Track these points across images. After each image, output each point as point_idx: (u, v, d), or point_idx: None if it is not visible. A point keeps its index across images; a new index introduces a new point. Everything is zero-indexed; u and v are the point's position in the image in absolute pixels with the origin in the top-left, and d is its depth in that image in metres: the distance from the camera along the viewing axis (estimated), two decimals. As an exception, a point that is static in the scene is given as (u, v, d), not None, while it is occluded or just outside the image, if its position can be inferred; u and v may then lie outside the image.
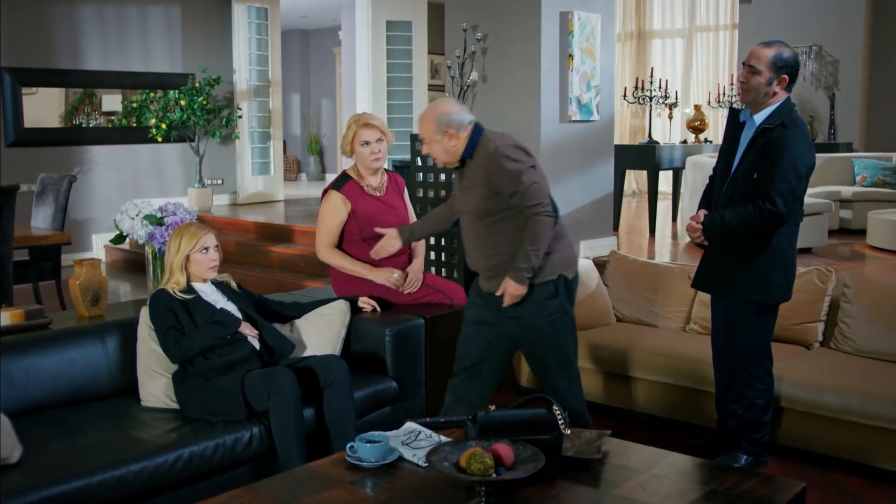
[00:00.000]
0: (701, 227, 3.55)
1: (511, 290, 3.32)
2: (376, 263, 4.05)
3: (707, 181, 3.81)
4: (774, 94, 3.44)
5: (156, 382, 3.40)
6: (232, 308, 3.53)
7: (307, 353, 3.67)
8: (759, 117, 3.47)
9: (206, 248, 3.48)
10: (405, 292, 4.10)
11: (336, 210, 4.07)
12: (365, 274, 4.06)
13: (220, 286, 3.60)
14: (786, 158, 3.34)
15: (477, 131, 3.39)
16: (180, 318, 3.38)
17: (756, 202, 3.38)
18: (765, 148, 3.40)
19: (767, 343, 3.64)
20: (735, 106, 3.65)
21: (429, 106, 3.46)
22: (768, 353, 3.65)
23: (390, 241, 3.84)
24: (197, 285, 3.51)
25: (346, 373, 3.35)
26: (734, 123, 3.60)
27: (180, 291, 3.44)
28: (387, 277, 4.05)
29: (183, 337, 3.34)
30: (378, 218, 4.09)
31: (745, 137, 3.52)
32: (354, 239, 4.11)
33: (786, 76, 3.43)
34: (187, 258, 3.46)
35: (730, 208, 3.48)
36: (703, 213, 3.61)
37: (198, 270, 3.49)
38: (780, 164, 3.34)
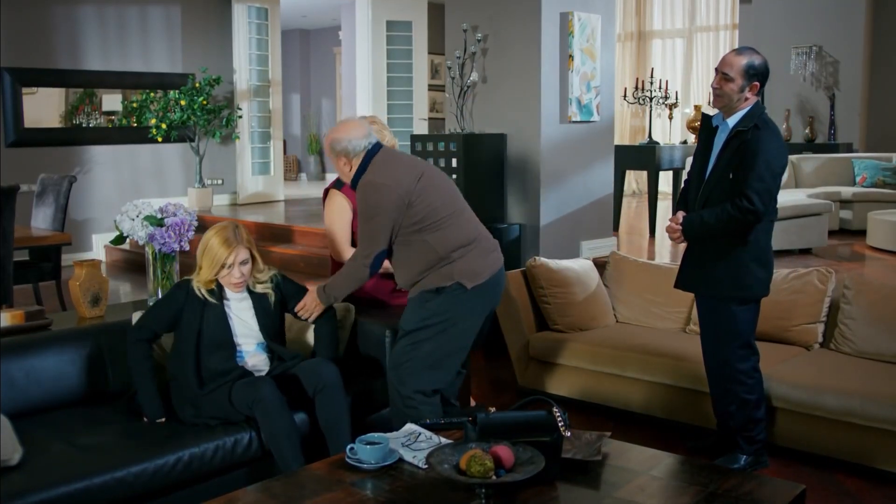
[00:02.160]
0: (680, 227, 3.63)
1: (308, 300, 3.52)
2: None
3: (683, 185, 3.90)
4: (746, 99, 3.55)
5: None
6: (253, 329, 3.42)
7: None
8: (732, 120, 3.58)
9: (231, 265, 3.32)
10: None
11: (342, 209, 4.07)
12: (387, 268, 3.98)
13: (257, 300, 3.45)
14: (760, 158, 3.45)
15: (367, 158, 3.42)
16: (187, 316, 3.32)
17: (733, 201, 3.47)
18: (739, 149, 3.51)
19: (752, 338, 3.70)
20: (706, 111, 3.76)
21: (332, 129, 3.49)
22: (753, 348, 3.71)
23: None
24: (227, 294, 3.40)
25: (336, 377, 3.30)
26: (707, 128, 3.71)
27: (206, 292, 3.36)
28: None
29: (144, 345, 3.30)
30: None
31: (719, 140, 3.63)
32: (356, 238, 4.10)
33: (757, 83, 3.55)
34: (216, 272, 3.33)
35: (708, 209, 3.57)
36: (681, 214, 3.70)
37: (224, 283, 3.39)
38: (755, 164, 3.45)
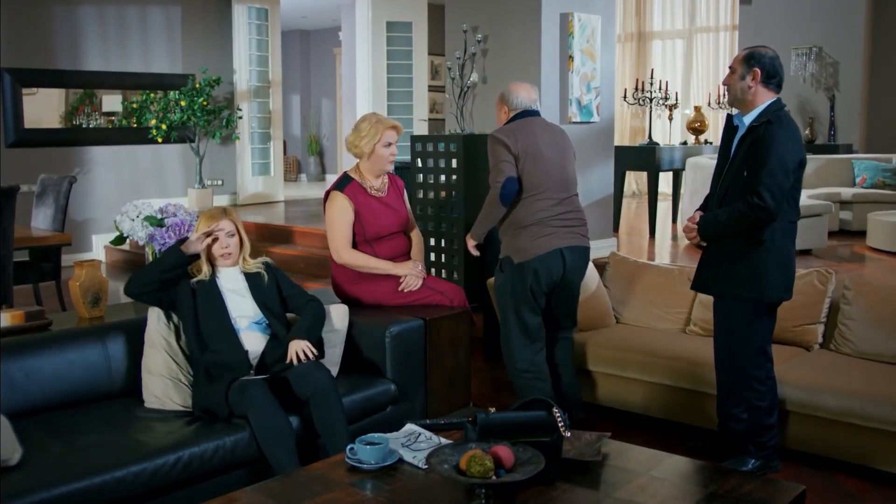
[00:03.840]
0: (697, 227, 3.60)
1: (467, 242, 4.26)
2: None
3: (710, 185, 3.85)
4: (750, 88, 3.50)
5: (158, 384, 3.40)
6: (248, 303, 3.55)
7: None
8: (748, 118, 3.54)
9: (216, 236, 3.54)
10: (406, 290, 4.11)
11: (344, 210, 4.08)
12: (389, 270, 4.11)
13: (251, 279, 3.61)
14: (772, 154, 3.39)
15: (516, 117, 4.08)
16: (183, 300, 3.45)
17: (746, 199, 3.42)
18: (752, 145, 3.46)
19: (767, 344, 3.65)
20: (726, 109, 3.75)
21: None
22: (768, 354, 3.66)
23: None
24: (221, 272, 3.57)
25: (328, 380, 3.31)
26: (729, 128, 3.68)
27: (197, 270, 3.52)
28: (411, 269, 4.14)
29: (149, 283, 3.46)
30: (380, 219, 4.11)
31: (737, 138, 3.59)
32: (358, 240, 4.12)
33: (757, 69, 3.48)
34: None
35: (723, 207, 3.54)
36: (698, 214, 3.66)
37: (214, 257, 3.57)
38: (767, 160, 3.39)
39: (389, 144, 4.15)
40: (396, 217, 4.20)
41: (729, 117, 3.69)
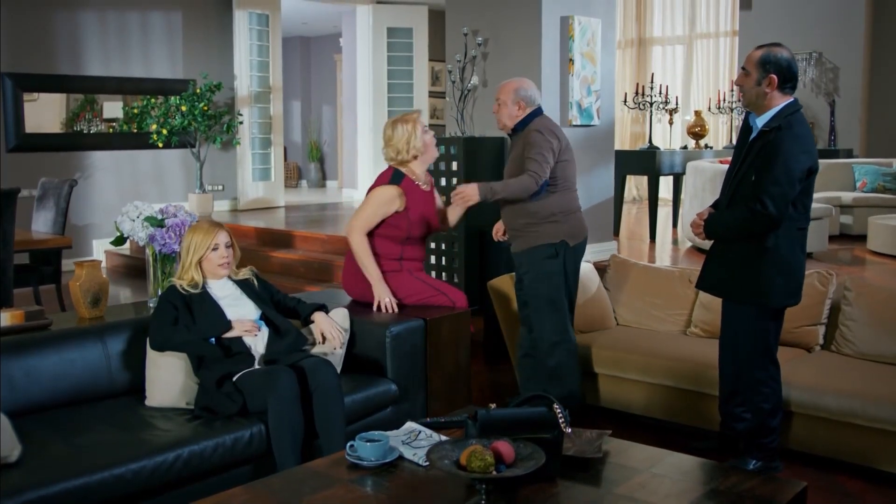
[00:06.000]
0: (704, 223, 3.58)
1: (467, 190, 3.96)
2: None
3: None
4: (766, 94, 3.44)
5: (164, 381, 3.40)
6: (248, 307, 3.56)
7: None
8: (761, 120, 3.48)
9: (216, 246, 3.52)
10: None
11: (389, 201, 4.04)
12: (373, 281, 4.05)
13: (241, 284, 3.63)
14: (778, 161, 3.34)
15: (534, 114, 4.13)
16: (180, 313, 3.43)
17: (749, 204, 3.39)
18: (761, 150, 3.41)
19: (771, 348, 3.63)
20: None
21: (515, 78, 4.27)
22: (773, 357, 3.64)
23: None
24: (211, 282, 3.56)
25: (333, 378, 3.32)
26: (745, 127, 3.63)
27: (189, 286, 3.49)
28: (382, 297, 4.04)
29: (169, 327, 3.39)
30: (428, 212, 4.16)
31: (750, 140, 3.54)
32: (397, 235, 4.09)
33: (774, 75, 3.42)
34: (200, 256, 3.51)
35: (730, 209, 3.52)
36: (708, 210, 3.64)
37: (209, 267, 3.54)
38: (773, 167, 3.34)
39: (427, 131, 4.16)
40: (435, 208, 4.23)
41: (748, 115, 3.63)
